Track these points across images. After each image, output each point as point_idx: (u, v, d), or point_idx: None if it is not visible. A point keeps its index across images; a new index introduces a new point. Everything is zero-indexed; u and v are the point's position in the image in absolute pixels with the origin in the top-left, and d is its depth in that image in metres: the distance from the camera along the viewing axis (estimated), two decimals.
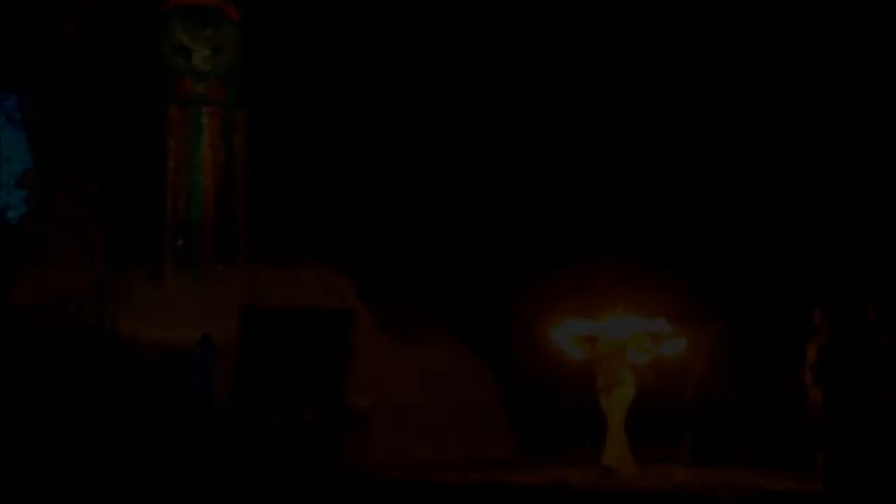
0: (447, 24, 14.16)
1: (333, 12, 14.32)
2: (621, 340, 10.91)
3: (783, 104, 13.60)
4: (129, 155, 14.03)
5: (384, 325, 13.50)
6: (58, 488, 10.05)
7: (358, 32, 14.25)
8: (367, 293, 13.63)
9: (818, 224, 13.27)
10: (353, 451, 12.44)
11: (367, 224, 13.93)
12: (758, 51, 13.75)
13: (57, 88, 14.57)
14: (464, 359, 13.99)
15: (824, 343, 10.03)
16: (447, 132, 13.99)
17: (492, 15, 14.03)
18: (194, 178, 13.92)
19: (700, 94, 13.88)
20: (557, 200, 14.02)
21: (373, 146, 14.18)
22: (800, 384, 10.28)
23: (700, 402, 12.90)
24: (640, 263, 12.83)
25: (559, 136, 14.09)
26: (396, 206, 13.93)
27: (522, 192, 14.08)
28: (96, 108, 14.17)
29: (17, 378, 13.44)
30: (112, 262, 13.84)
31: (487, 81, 14.12)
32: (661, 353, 11.10)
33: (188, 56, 14.17)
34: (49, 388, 13.01)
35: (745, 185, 13.77)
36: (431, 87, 14.04)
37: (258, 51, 14.25)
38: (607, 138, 14.02)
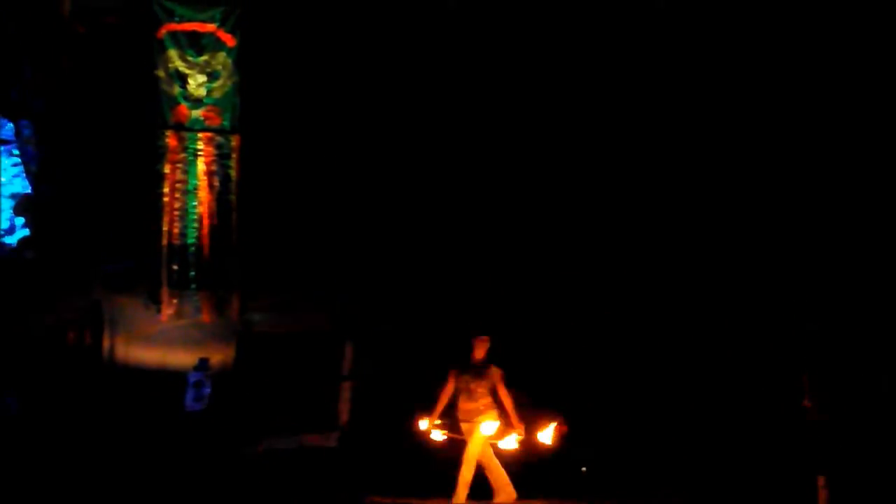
0: (447, 54, 14.22)
1: (329, 39, 14.39)
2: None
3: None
4: (124, 181, 14.12)
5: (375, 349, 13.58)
6: None
7: (354, 59, 14.31)
8: (361, 318, 13.71)
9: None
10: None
11: (362, 250, 13.98)
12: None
13: (53, 114, 14.69)
14: None
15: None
16: (443, 160, 14.04)
17: (490, 51, 14.11)
18: (189, 203, 14.03)
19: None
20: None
21: (369, 172, 14.23)
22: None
23: None
24: None
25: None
26: (391, 232, 13.98)
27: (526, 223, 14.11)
28: (92, 134, 14.26)
29: (15, 402, 13.58)
30: (109, 287, 13.96)
31: (488, 114, 14.16)
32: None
33: (183, 82, 14.28)
34: (47, 412, 13.13)
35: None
36: (429, 114, 14.10)
37: (253, 76, 14.35)
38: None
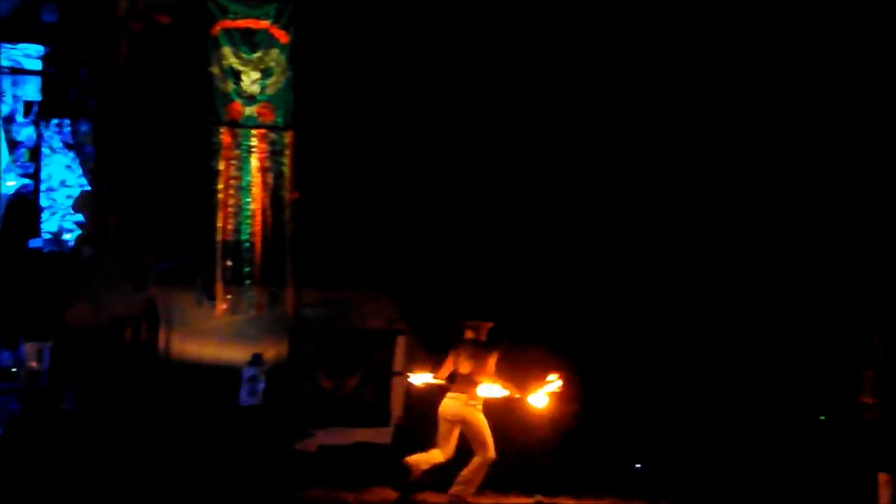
0: (497, 48, 14.19)
1: (381, 34, 14.41)
2: None
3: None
4: (179, 178, 14.22)
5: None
6: None
7: (407, 55, 14.31)
8: (413, 315, 13.70)
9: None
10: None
11: (415, 245, 13.98)
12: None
13: (109, 113, 14.84)
14: None
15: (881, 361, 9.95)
16: (497, 154, 14.00)
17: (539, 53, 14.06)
18: (243, 199, 14.09)
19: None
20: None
21: (422, 166, 14.23)
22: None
23: None
24: None
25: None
26: (445, 227, 13.95)
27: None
28: (147, 132, 14.38)
29: (73, 397, 13.75)
30: (164, 283, 14.07)
31: (544, 108, 14.11)
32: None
33: (237, 79, 14.35)
34: (103, 407, 13.27)
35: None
36: (480, 108, 14.07)
37: (306, 72, 14.39)
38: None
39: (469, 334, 10.88)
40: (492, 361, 10.73)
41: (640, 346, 13.46)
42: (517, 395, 10.55)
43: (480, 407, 10.67)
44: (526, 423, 10.95)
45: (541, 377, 10.62)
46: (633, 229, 14.08)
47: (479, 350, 10.79)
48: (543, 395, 10.53)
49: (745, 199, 13.88)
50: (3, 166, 15.97)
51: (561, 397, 10.63)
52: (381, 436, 13.20)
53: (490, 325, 10.94)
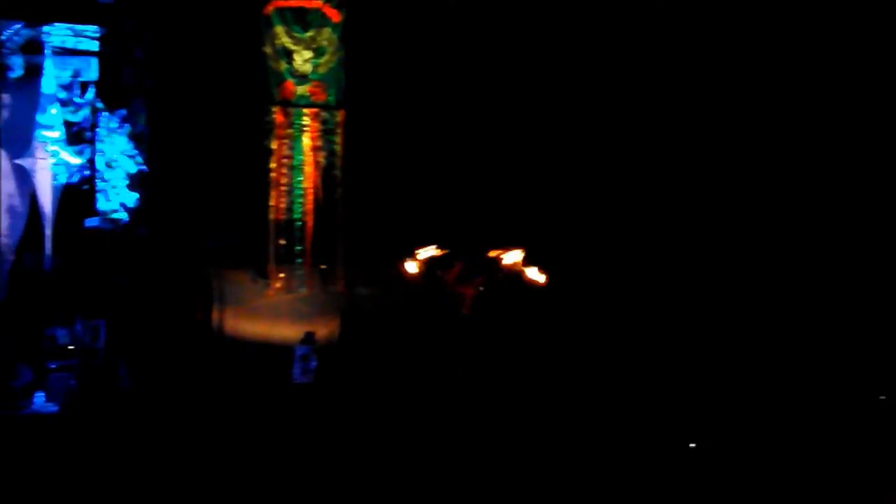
0: (548, 24, 14.13)
1: (433, 12, 14.39)
2: None
3: None
4: (232, 157, 14.30)
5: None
6: (166, 485, 10.28)
7: (458, 33, 14.28)
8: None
9: None
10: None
11: (465, 223, 13.97)
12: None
13: (164, 93, 14.94)
14: None
15: None
16: (546, 128, 13.95)
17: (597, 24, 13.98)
18: (295, 178, 14.15)
19: None
20: None
21: (473, 145, 14.21)
22: None
23: None
24: None
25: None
26: (495, 207, 13.93)
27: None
28: (201, 112, 14.47)
29: (127, 375, 13.90)
30: (218, 262, 14.17)
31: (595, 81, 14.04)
32: None
33: (290, 58, 14.38)
34: (158, 385, 13.40)
35: None
36: (529, 86, 14.02)
37: (358, 51, 14.40)
38: None
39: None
40: None
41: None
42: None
43: None
44: None
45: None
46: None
47: None
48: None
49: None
50: (60, 147, 16.12)
51: None
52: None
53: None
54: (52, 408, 14.27)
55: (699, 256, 13.68)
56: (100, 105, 15.81)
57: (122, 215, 15.44)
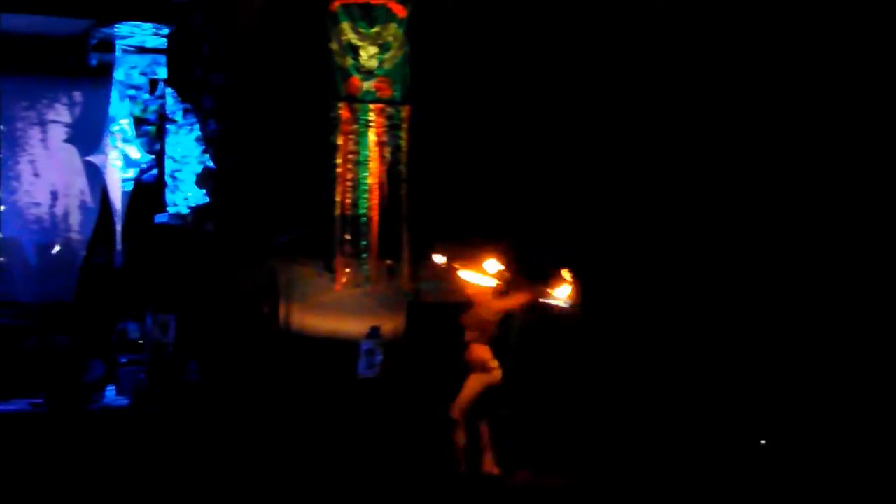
0: (618, 22, 14.04)
1: (498, 7, 14.35)
2: None
3: None
4: (299, 152, 14.38)
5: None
6: (235, 478, 10.37)
7: (524, 29, 14.24)
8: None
9: None
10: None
11: (531, 220, 13.91)
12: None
13: (231, 89, 15.05)
14: None
15: None
16: (610, 126, 13.85)
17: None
18: (361, 174, 14.18)
19: None
20: None
21: (541, 142, 14.15)
22: None
23: None
24: None
25: None
26: (562, 204, 13.86)
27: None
28: (268, 108, 14.56)
29: (196, 369, 14.04)
30: (284, 257, 14.26)
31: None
32: None
33: (356, 54, 14.42)
34: (226, 379, 13.53)
35: None
36: (594, 83, 13.93)
37: (423, 46, 14.40)
38: None
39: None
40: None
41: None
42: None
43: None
44: None
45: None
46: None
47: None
48: (565, 287, 10.31)
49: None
50: (130, 144, 16.32)
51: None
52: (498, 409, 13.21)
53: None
54: (123, 401, 14.50)
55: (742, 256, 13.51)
56: (169, 102, 15.97)
57: (190, 211, 15.60)
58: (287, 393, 13.01)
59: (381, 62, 14.41)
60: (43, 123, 17.00)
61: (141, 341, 15.23)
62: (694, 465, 11.28)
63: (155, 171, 16.05)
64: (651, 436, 12.13)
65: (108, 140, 16.54)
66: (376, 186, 14.17)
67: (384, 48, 14.42)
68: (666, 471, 11.07)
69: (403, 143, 14.27)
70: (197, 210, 15.44)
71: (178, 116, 15.75)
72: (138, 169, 16.40)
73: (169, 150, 15.80)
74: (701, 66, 13.72)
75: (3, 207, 16.76)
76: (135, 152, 16.37)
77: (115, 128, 16.53)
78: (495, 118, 14.11)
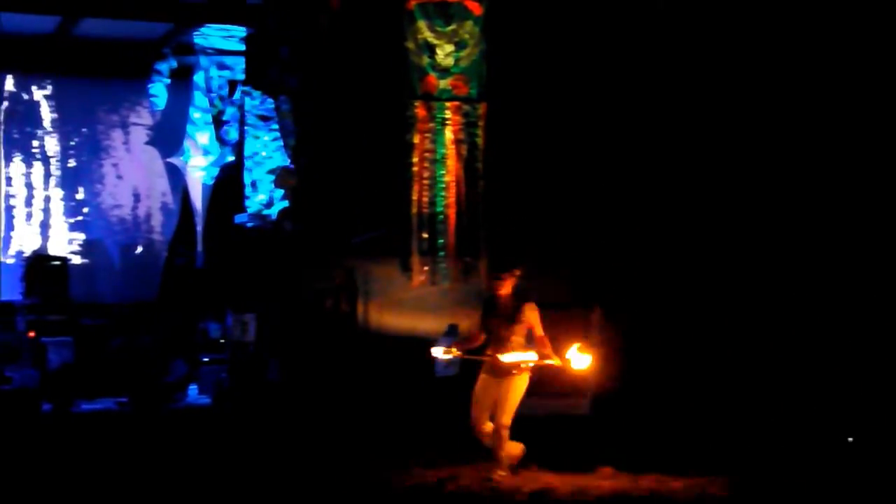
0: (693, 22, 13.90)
1: (574, 4, 14.27)
2: None
3: None
4: (375, 152, 14.44)
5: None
6: (315, 474, 10.40)
7: (599, 26, 14.14)
8: (608, 285, 13.56)
9: None
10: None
11: (608, 216, 13.82)
12: None
13: (308, 90, 15.16)
14: None
15: None
16: (687, 130, 13.70)
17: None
18: (438, 172, 14.19)
19: None
20: None
21: (615, 138, 14.04)
22: None
23: None
24: None
25: None
26: (639, 201, 13.74)
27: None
28: (345, 107, 14.64)
29: (278, 366, 14.17)
30: (362, 256, 14.32)
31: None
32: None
33: (432, 52, 14.44)
34: (307, 376, 13.63)
35: None
36: (673, 86, 13.79)
37: (499, 44, 14.38)
38: None
39: (498, 287, 9.71)
40: (530, 315, 9.59)
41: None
42: (551, 361, 9.50)
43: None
44: None
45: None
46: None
47: (509, 304, 9.65)
48: (583, 355, 9.45)
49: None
50: (209, 145, 16.51)
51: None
52: (580, 406, 13.14)
53: (517, 272, 9.76)
54: (205, 400, 14.66)
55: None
56: (247, 104, 16.14)
57: (270, 211, 15.75)
58: (366, 391, 13.05)
59: (457, 60, 14.41)
60: (125, 126, 17.28)
61: (222, 341, 15.40)
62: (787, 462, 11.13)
63: (234, 172, 16.23)
64: (734, 433, 12.00)
65: (187, 142, 16.75)
66: (453, 184, 14.17)
67: (460, 46, 14.43)
68: (752, 469, 10.92)
69: (480, 141, 14.26)
70: (276, 210, 15.59)
71: (257, 118, 15.92)
72: (217, 170, 16.60)
73: (247, 151, 15.98)
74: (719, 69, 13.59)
75: (87, 209, 17.06)
76: (214, 154, 16.57)
77: (194, 130, 16.74)
78: (571, 114, 14.03)
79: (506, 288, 9.74)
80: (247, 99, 16.07)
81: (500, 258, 11.21)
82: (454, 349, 10.03)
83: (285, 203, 15.54)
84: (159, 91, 17.10)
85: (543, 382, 12.57)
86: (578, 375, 9.96)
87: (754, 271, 13.29)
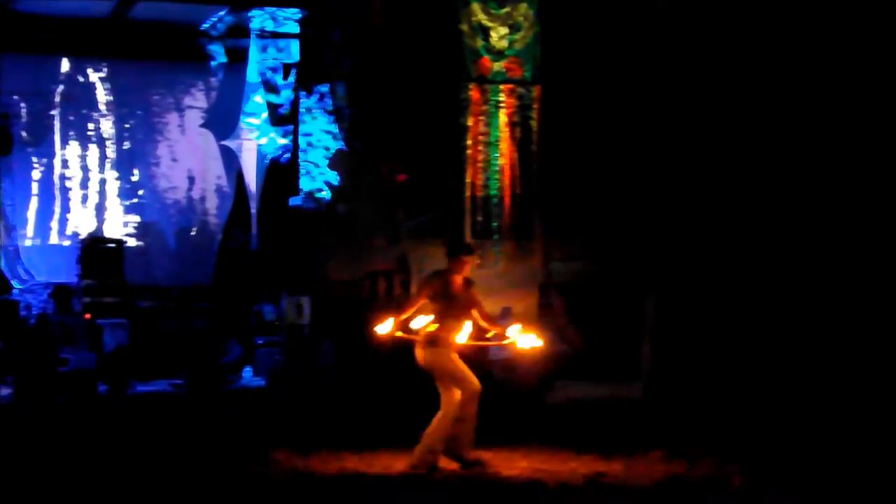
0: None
1: None
2: None
3: None
4: (429, 135, 14.42)
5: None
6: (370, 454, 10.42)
7: (654, 8, 14.06)
8: (663, 269, 13.48)
9: None
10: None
11: (665, 202, 13.74)
12: None
13: (362, 73, 15.17)
14: None
15: None
16: (738, 119, 13.58)
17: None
18: (491, 154, 14.18)
19: None
20: None
21: (672, 122, 13.95)
22: None
23: None
24: None
25: None
26: (695, 188, 13.64)
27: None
28: (399, 91, 14.62)
29: (331, 348, 14.19)
30: (416, 238, 14.32)
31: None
32: None
33: (486, 35, 14.40)
34: (360, 357, 13.63)
35: None
36: (728, 74, 13.67)
37: (553, 26, 14.32)
38: None
39: (464, 268, 9.28)
40: (476, 294, 9.31)
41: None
42: (507, 341, 9.23)
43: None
44: None
45: None
46: None
47: (461, 284, 9.28)
48: (526, 335, 9.20)
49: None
50: (264, 128, 16.54)
51: None
52: (632, 391, 13.08)
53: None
54: (260, 382, 14.71)
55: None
56: (301, 86, 16.15)
57: (324, 194, 15.77)
58: (418, 374, 13.03)
59: (511, 42, 14.38)
60: (180, 109, 17.33)
61: (277, 323, 15.45)
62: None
63: (288, 155, 16.25)
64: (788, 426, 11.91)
65: (242, 124, 16.78)
66: (507, 167, 14.17)
67: (514, 28, 14.39)
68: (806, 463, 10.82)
69: (534, 124, 14.24)
70: (330, 193, 15.61)
71: (311, 101, 15.92)
72: (272, 153, 16.63)
73: (302, 133, 15.99)
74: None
75: (142, 192, 17.16)
76: (268, 136, 16.59)
77: (248, 113, 16.77)
78: (625, 96, 13.96)
79: (468, 269, 9.41)
80: (301, 82, 16.08)
81: (457, 238, 11.00)
82: (395, 327, 9.49)
83: (339, 185, 15.55)
84: (215, 74, 17.18)
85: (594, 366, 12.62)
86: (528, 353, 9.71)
87: (806, 262, 13.19)
